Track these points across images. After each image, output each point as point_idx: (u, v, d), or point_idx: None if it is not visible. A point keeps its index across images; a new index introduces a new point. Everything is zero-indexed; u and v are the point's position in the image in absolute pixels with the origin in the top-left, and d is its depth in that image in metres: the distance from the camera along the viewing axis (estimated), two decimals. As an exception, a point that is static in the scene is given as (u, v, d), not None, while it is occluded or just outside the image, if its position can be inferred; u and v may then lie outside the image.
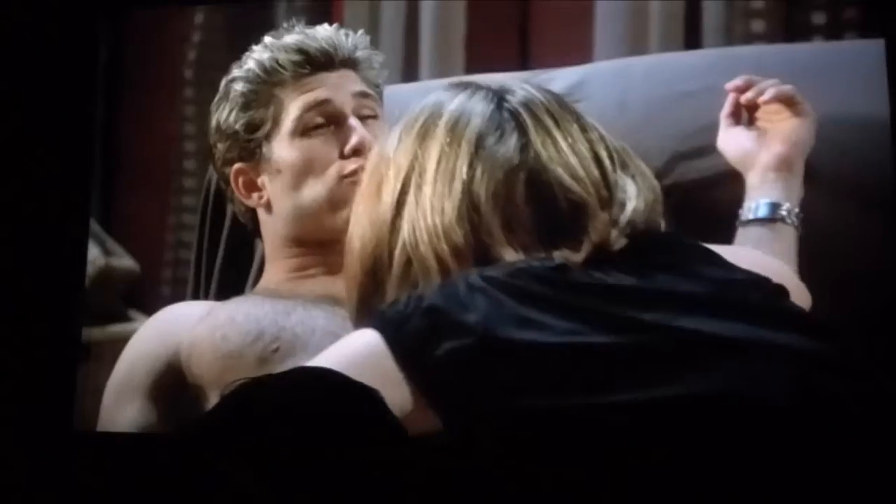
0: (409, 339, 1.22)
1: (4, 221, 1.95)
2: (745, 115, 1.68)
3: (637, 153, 1.67)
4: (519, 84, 1.42)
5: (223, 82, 1.78)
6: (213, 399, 1.62)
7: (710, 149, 1.68)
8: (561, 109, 1.39)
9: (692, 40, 1.92)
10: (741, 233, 1.61)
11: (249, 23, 2.34)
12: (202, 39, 2.46)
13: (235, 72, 1.76)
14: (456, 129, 1.36)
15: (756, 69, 1.69)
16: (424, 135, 1.37)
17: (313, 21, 1.84)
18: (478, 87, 1.41)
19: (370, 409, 1.16)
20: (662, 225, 1.39)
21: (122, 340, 1.81)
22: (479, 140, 1.35)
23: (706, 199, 1.68)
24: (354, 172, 1.65)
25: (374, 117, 1.74)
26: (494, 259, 1.28)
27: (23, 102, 1.96)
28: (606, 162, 1.37)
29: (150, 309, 1.93)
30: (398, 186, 1.36)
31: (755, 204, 1.61)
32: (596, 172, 1.35)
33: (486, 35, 2.06)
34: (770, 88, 1.64)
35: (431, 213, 1.32)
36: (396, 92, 1.86)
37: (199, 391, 1.66)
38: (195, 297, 1.97)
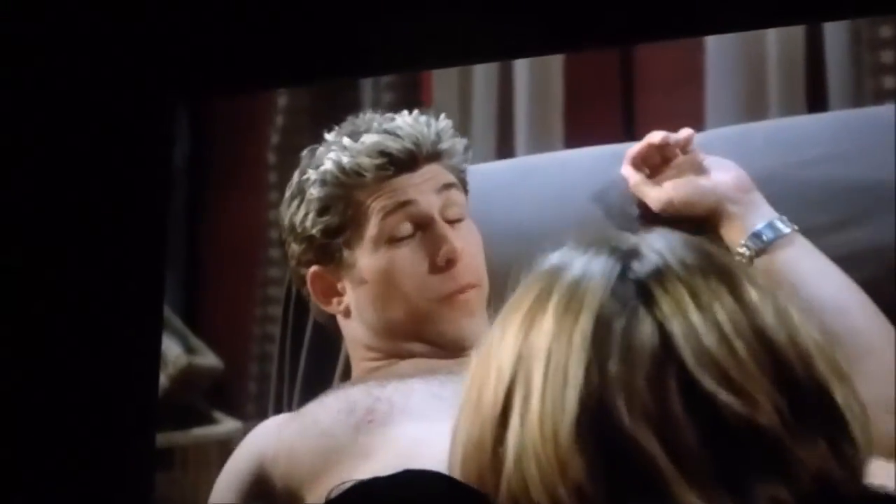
0: None
1: (77, 317, 1.89)
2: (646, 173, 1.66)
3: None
4: (652, 242, 1.02)
5: (296, 178, 1.70)
6: (308, 498, 1.56)
7: (841, 223, 1.58)
8: (704, 279, 0.98)
9: (816, 102, 1.81)
10: (766, 264, 1.53)
11: (335, 105, 2.27)
12: (286, 123, 2.39)
13: (310, 172, 1.67)
14: (566, 313, 0.98)
15: (891, 132, 1.57)
16: (530, 323, 0.99)
17: (403, 98, 1.75)
18: (599, 250, 1.02)
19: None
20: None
21: (206, 444, 1.77)
22: (597, 326, 0.96)
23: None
24: (446, 298, 1.60)
25: (461, 220, 1.65)
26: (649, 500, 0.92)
27: (96, 189, 1.90)
28: (788, 357, 0.96)
29: (234, 409, 1.88)
30: (500, 399, 0.98)
31: (760, 230, 1.56)
32: (772, 386, 0.94)
33: (587, 103, 1.98)
34: (680, 133, 1.65)
35: (542, 439, 0.94)
36: (491, 170, 1.78)
37: (292, 495, 1.58)
38: (279, 395, 1.87)
